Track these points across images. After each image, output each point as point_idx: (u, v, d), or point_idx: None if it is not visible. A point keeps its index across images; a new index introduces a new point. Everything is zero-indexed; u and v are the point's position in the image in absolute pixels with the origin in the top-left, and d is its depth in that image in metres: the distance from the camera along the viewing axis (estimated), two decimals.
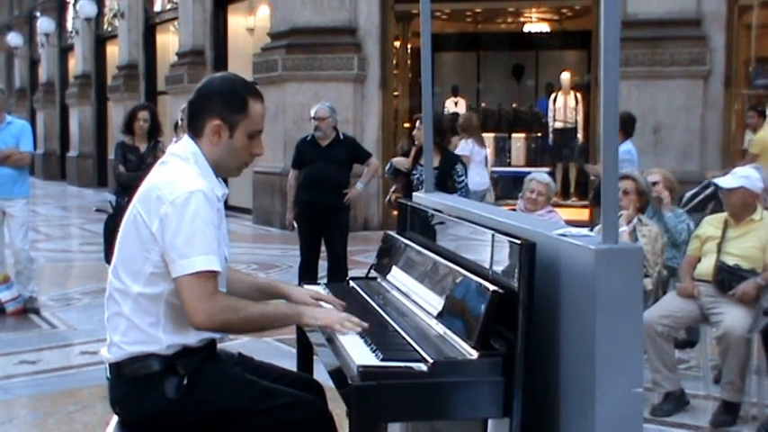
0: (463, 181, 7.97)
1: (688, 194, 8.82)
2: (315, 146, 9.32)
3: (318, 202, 9.11)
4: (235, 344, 7.91)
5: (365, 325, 3.49)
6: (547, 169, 17.52)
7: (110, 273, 3.55)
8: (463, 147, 12.76)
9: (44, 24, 31.82)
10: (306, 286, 4.33)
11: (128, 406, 3.54)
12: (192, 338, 3.48)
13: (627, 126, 10.35)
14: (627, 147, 10.33)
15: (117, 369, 3.51)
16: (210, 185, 3.45)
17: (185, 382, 3.44)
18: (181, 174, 3.43)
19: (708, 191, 9.96)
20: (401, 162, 8.99)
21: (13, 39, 35.17)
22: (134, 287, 3.42)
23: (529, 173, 8.96)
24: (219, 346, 3.76)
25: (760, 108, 13.83)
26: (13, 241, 9.61)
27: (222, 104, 3.49)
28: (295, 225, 9.61)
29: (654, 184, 7.61)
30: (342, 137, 9.45)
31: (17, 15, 38.45)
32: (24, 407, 6.71)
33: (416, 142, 8.80)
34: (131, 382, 3.48)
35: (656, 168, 8.23)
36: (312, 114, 9.35)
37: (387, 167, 8.81)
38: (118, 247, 3.51)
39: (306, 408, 3.52)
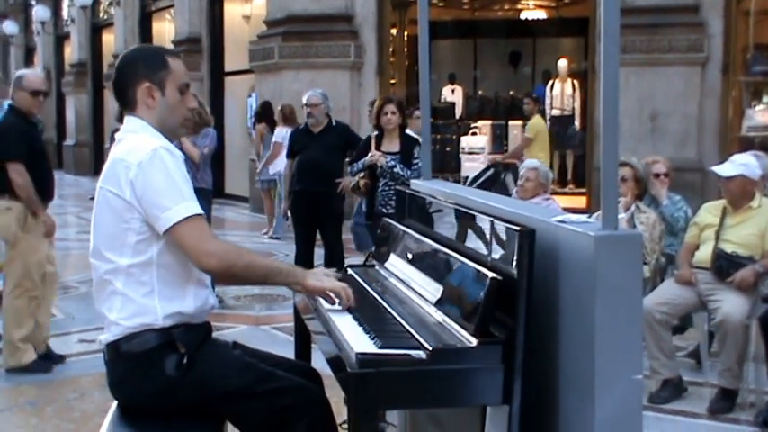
0: (418, 162, 7.90)
1: (471, 176, 8.82)
2: (308, 133, 9.33)
3: (312, 191, 9.09)
4: (232, 332, 7.97)
5: (352, 301, 3.60)
6: None
7: (92, 260, 3.56)
8: (277, 134, 13.42)
9: (40, 12, 31.77)
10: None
11: (127, 387, 3.54)
12: (190, 303, 3.51)
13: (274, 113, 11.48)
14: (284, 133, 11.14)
15: (115, 349, 3.51)
16: (170, 145, 3.53)
17: (185, 360, 3.45)
18: (137, 141, 3.49)
19: (488, 173, 9.96)
20: (375, 158, 8.64)
21: (9, 27, 35.05)
22: (122, 260, 3.44)
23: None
24: (215, 334, 3.77)
25: (534, 95, 14.12)
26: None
27: (144, 67, 3.58)
28: (289, 214, 9.61)
29: (666, 175, 7.61)
30: (335, 123, 9.44)
31: (12, 3, 38.33)
32: (23, 395, 6.71)
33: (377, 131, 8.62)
34: (130, 361, 3.48)
35: (658, 156, 8.20)
36: (304, 101, 9.33)
37: (355, 166, 8.56)
38: (94, 232, 3.55)
39: (303, 393, 3.53)
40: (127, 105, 3.62)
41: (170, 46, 21.99)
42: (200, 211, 3.39)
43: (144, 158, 3.37)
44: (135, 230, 3.41)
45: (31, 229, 7.02)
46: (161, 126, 3.59)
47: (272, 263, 3.67)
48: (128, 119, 3.63)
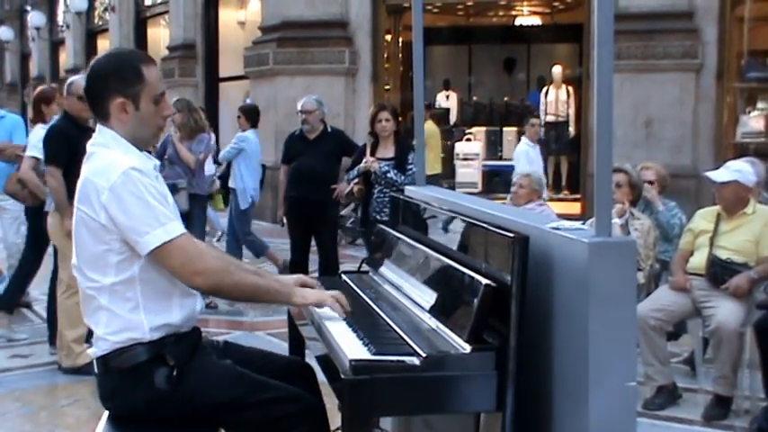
0: (412, 168, 7.90)
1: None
2: (303, 140, 9.32)
3: (307, 198, 9.09)
4: (227, 338, 7.93)
5: (348, 307, 3.57)
6: None
7: (75, 272, 3.54)
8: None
9: (35, 18, 31.80)
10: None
11: (118, 400, 3.51)
12: (176, 315, 3.48)
13: (251, 115, 11.23)
14: (248, 135, 11.04)
15: (104, 363, 3.49)
16: (140, 161, 3.45)
17: (175, 373, 3.42)
18: (108, 159, 3.41)
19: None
20: (369, 164, 8.63)
21: (4, 33, 35.10)
22: (106, 280, 3.41)
23: None
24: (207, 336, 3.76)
25: (427, 102, 14.20)
26: (6, 235, 9.64)
27: (118, 81, 3.47)
28: (284, 221, 9.61)
29: (651, 182, 7.62)
30: (330, 130, 9.44)
31: (8, 9, 38.36)
32: (17, 400, 6.70)
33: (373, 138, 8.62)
34: (119, 375, 3.45)
35: (650, 163, 8.21)
36: (299, 108, 9.33)
37: (353, 172, 8.56)
38: (76, 251, 3.50)
39: (297, 402, 3.49)
40: (99, 115, 3.54)
41: (165, 52, 22.02)
42: (179, 231, 3.34)
43: (115, 182, 3.30)
44: (115, 251, 3.37)
45: None
46: (133, 138, 3.51)
47: (261, 281, 3.58)
48: (99, 129, 3.55)
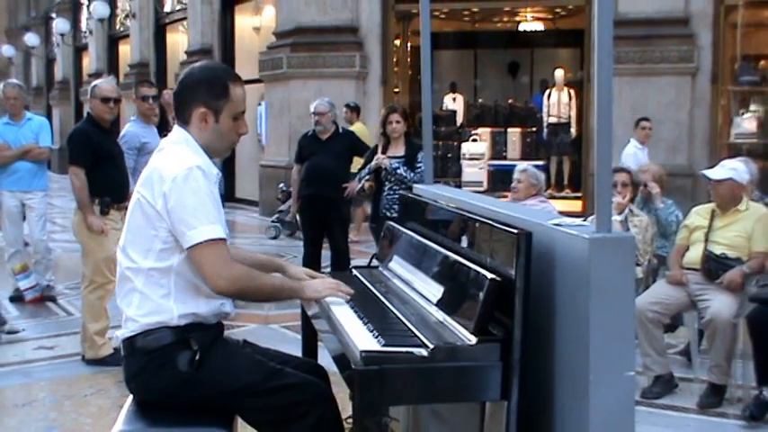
0: (421, 166, 7.90)
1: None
2: (315, 140, 9.35)
3: (319, 196, 9.10)
4: (243, 330, 7.97)
5: (351, 291, 3.67)
6: (541, 162, 17.54)
7: (119, 255, 3.59)
8: None
9: (59, 25, 31.88)
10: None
11: (141, 381, 3.56)
12: (203, 307, 3.53)
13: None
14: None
15: (130, 344, 3.54)
16: (206, 163, 3.52)
17: (197, 357, 3.47)
18: (177, 154, 3.49)
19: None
20: (380, 161, 8.63)
21: (31, 39, 35.23)
22: (145, 263, 3.48)
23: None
24: (226, 332, 3.78)
25: (353, 103, 14.14)
26: (32, 232, 9.69)
27: (205, 92, 3.55)
28: (297, 217, 9.62)
29: (644, 185, 7.66)
30: (341, 131, 9.50)
31: (34, 17, 38.53)
32: (43, 390, 6.72)
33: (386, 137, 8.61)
34: (145, 356, 3.50)
35: (647, 164, 8.24)
36: (312, 110, 9.36)
37: (365, 170, 8.55)
38: (126, 230, 3.58)
39: (310, 389, 3.53)
40: (181, 118, 3.61)
41: (183, 56, 22.04)
42: (222, 235, 3.41)
43: (179, 174, 3.38)
44: (161, 239, 3.44)
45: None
46: (207, 147, 3.59)
47: (277, 282, 3.69)
48: (177, 129, 3.63)
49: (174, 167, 3.41)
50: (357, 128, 14.58)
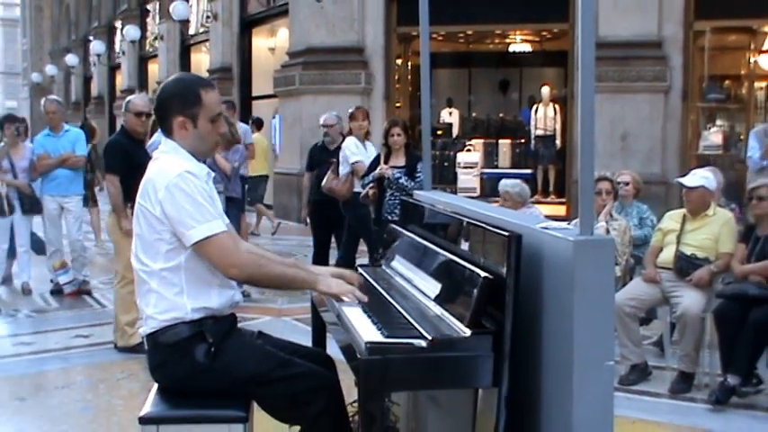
0: (420, 175, 7.87)
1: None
2: (324, 150, 9.39)
3: (328, 201, 9.08)
4: (258, 322, 7.96)
5: (365, 299, 3.56)
6: (529, 171, 17.53)
7: (133, 260, 3.59)
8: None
9: (96, 46, 32.11)
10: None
11: (164, 372, 3.56)
12: (215, 300, 3.52)
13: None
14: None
15: (153, 339, 3.54)
16: (195, 166, 3.52)
17: (212, 349, 3.47)
18: (167, 163, 3.49)
19: None
20: (383, 171, 8.58)
21: (71, 59, 35.49)
22: (156, 265, 3.47)
23: (513, 174, 8.88)
24: (241, 324, 3.78)
25: (231, 101, 14.04)
26: (70, 232, 9.73)
27: (180, 103, 3.55)
28: (308, 220, 9.64)
29: (626, 183, 7.70)
30: None
31: (74, 39, 38.71)
32: (80, 374, 6.78)
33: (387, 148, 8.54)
34: (166, 349, 3.50)
35: (626, 171, 8.28)
36: (321, 122, 9.41)
37: (368, 178, 8.47)
38: (135, 238, 3.57)
39: (317, 378, 3.53)
40: (165, 130, 3.63)
41: (205, 74, 22.04)
42: (219, 229, 3.39)
43: (170, 181, 3.37)
44: (166, 241, 3.43)
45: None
46: (192, 151, 3.58)
47: (290, 271, 3.63)
48: (164, 140, 3.63)
49: (165, 176, 3.40)
50: (257, 138, 14.55)
